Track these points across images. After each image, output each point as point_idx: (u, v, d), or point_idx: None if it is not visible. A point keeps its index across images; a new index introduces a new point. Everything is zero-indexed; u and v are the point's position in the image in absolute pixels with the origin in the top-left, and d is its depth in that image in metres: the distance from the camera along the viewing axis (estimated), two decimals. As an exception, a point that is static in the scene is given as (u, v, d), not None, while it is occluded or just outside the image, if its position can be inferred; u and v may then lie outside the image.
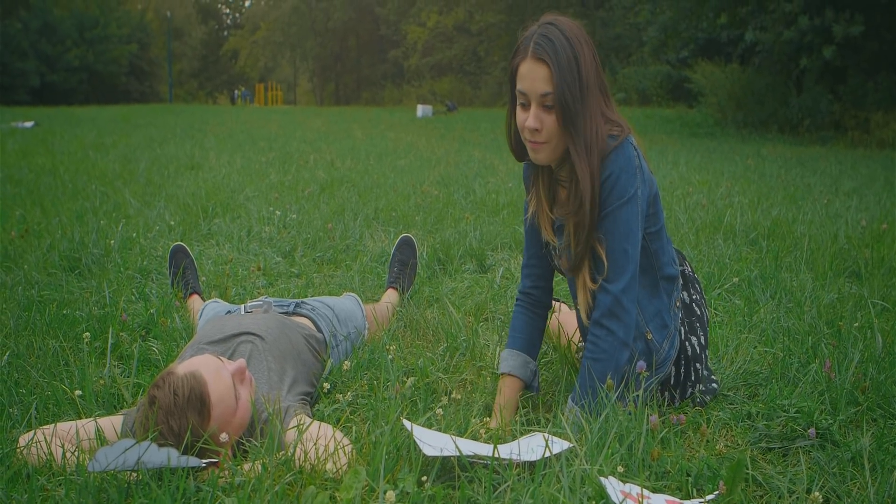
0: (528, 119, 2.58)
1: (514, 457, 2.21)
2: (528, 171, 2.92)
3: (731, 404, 2.89)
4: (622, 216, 2.61)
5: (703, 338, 2.92)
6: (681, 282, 2.91)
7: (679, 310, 2.87)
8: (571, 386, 2.92)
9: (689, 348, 2.87)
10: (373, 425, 2.53)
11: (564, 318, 3.41)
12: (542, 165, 2.77)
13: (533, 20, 2.64)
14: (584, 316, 2.76)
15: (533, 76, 2.54)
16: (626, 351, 2.64)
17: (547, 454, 2.20)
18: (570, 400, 2.66)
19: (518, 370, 2.89)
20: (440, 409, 2.70)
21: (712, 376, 2.99)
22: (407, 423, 2.35)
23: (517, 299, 3.03)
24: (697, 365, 2.88)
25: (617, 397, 2.56)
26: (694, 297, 2.96)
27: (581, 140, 2.55)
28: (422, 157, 12.66)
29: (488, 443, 2.43)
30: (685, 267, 2.98)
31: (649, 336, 2.75)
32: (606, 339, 2.61)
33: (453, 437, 2.33)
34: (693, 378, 2.88)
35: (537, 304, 3.01)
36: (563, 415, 2.60)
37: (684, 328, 2.89)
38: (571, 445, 2.29)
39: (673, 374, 2.86)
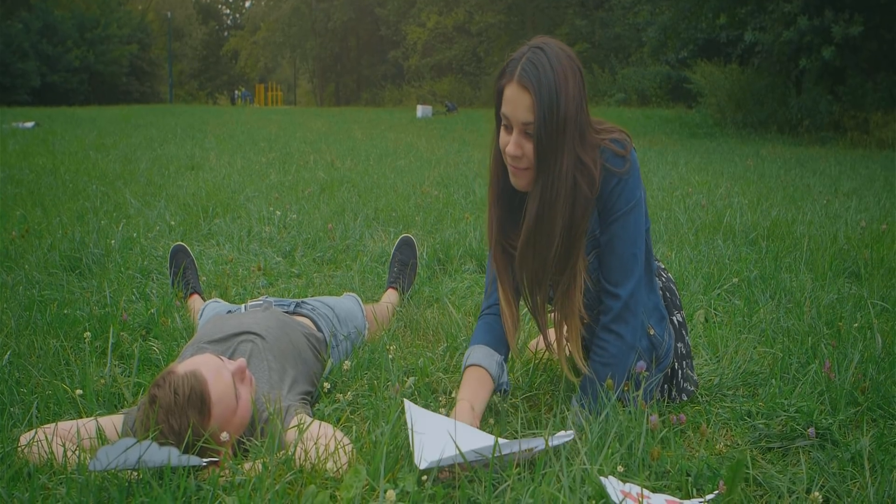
0: (509, 144, 2.55)
1: (514, 448, 2.22)
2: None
3: (730, 404, 2.89)
4: (631, 220, 2.62)
5: (678, 315, 2.96)
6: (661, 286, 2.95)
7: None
8: (569, 384, 2.91)
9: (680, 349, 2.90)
10: (373, 425, 2.53)
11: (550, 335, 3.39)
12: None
13: (524, 41, 2.62)
14: (578, 356, 2.71)
15: (516, 103, 2.49)
16: (634, 354, 2.66)
17: (544, 444, 2.21)
18: (574, 401, 2.67)
19: (483, 361, 2.76)
20: (442, 410, 2.71)
21: (694, 376, 3.00)
22: (408, 404, 2.36)
23: (481, 314, 2.93)
24: (681, 343, 2.92)
25: (618, 397, 2.57)
26: (664, 277, 2.99)
27: (550, 174, 2.52)
28: (422, 157, 12.66)
29: (490, 433, 2.44)
30: (661, 277, 3.01)
31: (651, 331, 2.76)
32: (616, 343, 2.63)
33: (452, 422, 2.35)
34: (683, 352, 2.91)
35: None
36: (570, 418, 2.61)
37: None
38: (571, 436, 2.31)
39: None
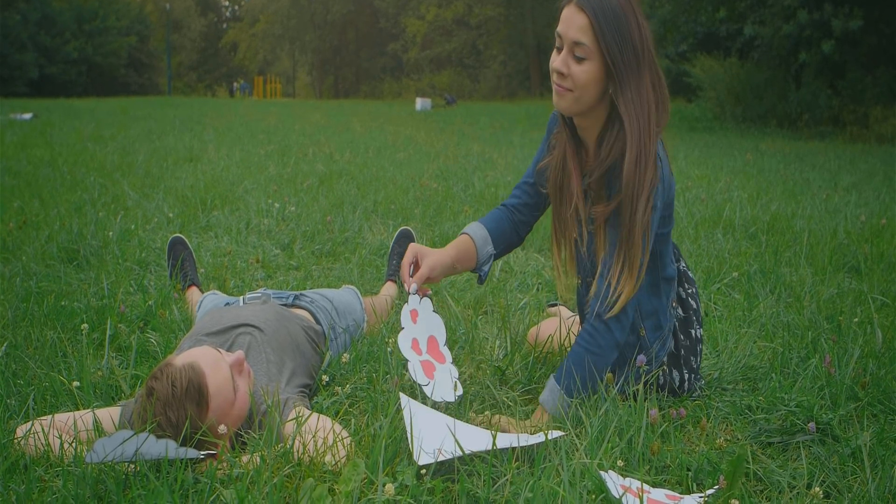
0: (556, 60, 2.57)
1: (513, 443, 2.22)
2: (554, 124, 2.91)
3: (730, 398, 2.88)
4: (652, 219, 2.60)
5: (698, 330, 2.92)
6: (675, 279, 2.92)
7: (675, 309, 2.87)
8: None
9: (684, 345, 2.87)
10: (372, 418, 2.52)
11: (548, 325, 3.36)
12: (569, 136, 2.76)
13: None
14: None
15: (570, 22, 2.51)
16: (617, 352, 2.64)
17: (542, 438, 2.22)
18: (552, 379, 2.65)
19: (476, 233, 2.91)
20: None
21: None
22: (404, 399, 2.35)
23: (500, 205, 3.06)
24: (695, 358, 2.88)
25: (595, 389, 2.59)
26: (690, 291, 2.95)
27: (631, 106, 2.53)
28: (421, 150, 12.65)
29: (487, 429, 2.43)
30: (681, 263, 2.96)
31: (642, 332, 2.75)
32: (605, 335, 2.61)
33: (450, 419, 2.34)
34: (694, 367, 2.88)
35: (517, 214, 3.01)
36: (544, 395, 2.63)
37: (677, 324, 2.88)
38: (564, 434, 2.31)
39: (670, 372, 2.86)
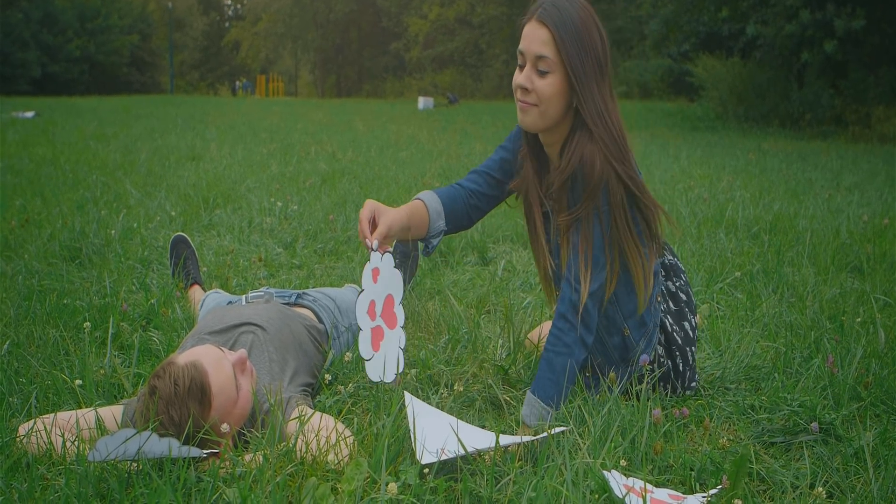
0: (520, 76, 2.60)
1: (516, 441, 2.22)
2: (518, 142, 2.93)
3: (733, 398, 2.88)
4: (605, 222, 2.59)
5: (693, 320, 2.92)
6: (662, 274, 2.91)
7: (660, 304, 2.87)
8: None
9: (680, 336, 2.87)
10: (374, 417, 2.52)
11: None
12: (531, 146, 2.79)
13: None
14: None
15: (532, 37, 2.55)
16: (584, 351, 2.63)
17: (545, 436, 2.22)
18: (528, 392, 2.62)
19: (430, 204, 2.89)
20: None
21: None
22: (407, 397, 2.35)
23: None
24: (692, 348, 2.89)
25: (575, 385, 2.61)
26: (678, 283, 2.95)
27: (598, 116, 2.55)
28: (423, 149, 12.64)
29: (491, 430, 2.43)
30: (667, 257, 2.96)
31: (626, 332, 2.74)
32: (569, 333, 2.60)
33: (454, 420, 2.34)
34: (691, 361, 2.88)
35: (473, 199, 2.98)
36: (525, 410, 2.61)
37: (670, 318, 2.88)
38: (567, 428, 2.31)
39: (671, 366, 2.86)
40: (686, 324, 2.91)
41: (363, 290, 2.71)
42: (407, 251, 4.36)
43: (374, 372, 2.67)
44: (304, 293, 3.51)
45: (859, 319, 3.66)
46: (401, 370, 2.63)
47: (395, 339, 2.67)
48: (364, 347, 2.68)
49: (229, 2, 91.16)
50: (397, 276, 2.71)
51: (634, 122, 21.93)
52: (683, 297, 2.95)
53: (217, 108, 28.38)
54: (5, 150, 10.78)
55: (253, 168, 9.41)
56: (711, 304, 4.03)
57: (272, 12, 70.27)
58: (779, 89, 21.10)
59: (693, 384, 2.91)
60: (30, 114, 19.58)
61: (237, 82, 71.60)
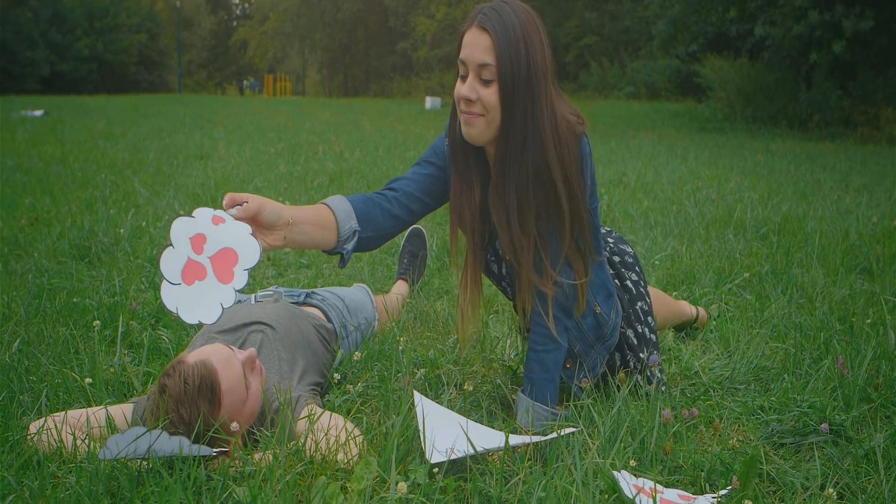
0: (463, 87, 2.47)
1: (526, 441, 2.22)
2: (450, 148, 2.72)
3: (742, 398, 2.87)
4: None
5: (632, 276, 2.95)
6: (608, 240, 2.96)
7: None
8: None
9: (631, 337, 2.89)
10: (384, 416, 2.52)
11: None
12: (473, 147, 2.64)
13: None
14: (521, 313, 2.70)
15: (474, 44, 2.42)
16: (566, 339, 2.63)
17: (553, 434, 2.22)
18: (527, 398, 2.61)
19: (336, 205, 2.56)
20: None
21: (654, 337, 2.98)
22: (417, 397, 2.35)
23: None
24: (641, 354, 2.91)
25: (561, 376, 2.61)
26: (632, 277, 2.98)
27: (517, 127, 2.45)
28: (431, 148, 12.62)
29: (500, 430, 2.43)
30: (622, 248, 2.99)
31: (598, 310, 2.73)
32: (557, 327, 2.59)
33: (463, 420, 2.34)
34: (633, 366, 2.88)
35: (394, 208, 2.69)
36: (517, 415, 2.62)
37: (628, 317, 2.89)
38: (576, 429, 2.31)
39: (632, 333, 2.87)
40: (628, 282, 2.95)
41: (193, 218, 2.32)
42: (416, 251, 4.36)
43: (169, 298, 2.27)
44: (312, 292, 3.51)
45: (869, 321, 3.66)
46: (213, 321, 2.24)
47: (219, 291, 2.25)
48: (168, 266, 2.30)
49: (237, 1, 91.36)
50: (251, 242, 2.25)
51: (641, 123, 21.94)
52: (617, 258, 2.98)
53: (225, 107, 28.41)
54: (15, 149, 10.81)
55: (261, 167, 9.42)
56: (720, 305, 4.03)
57: (280, 11, 70.29)
58: (787, 90, 21.07)
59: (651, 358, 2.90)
60: (39, 112, 19.63)
61: (245, 81, 71.80)
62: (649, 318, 2.97)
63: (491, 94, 2.43)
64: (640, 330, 2.92)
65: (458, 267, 2.82)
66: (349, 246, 2.58)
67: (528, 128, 2.44)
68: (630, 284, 2.98)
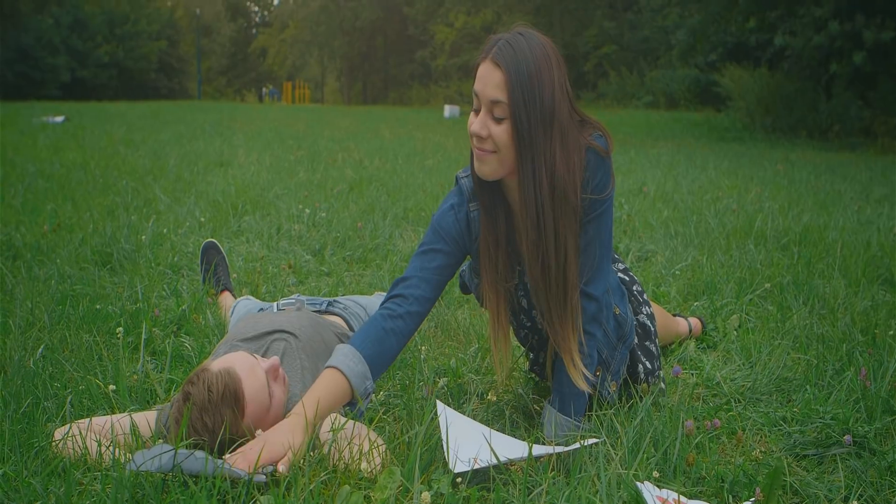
0: (474, 123, 2.43)
1: (548, 451, 2.23)
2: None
3: (764, 409, 2.87)
4: (605, 220, 2.56)
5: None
6: None
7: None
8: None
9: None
10: (406, 425, 2.53)
11: None
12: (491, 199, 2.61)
13: (507, 28, 2.55)
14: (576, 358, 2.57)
15: (486, 79, 2.39)
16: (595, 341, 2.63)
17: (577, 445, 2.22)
18: (549, 406, 2.60)
19: (351, 368, 2.41)
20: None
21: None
22: (440, 406, 2.35)
23: (384, 302, 2.61)
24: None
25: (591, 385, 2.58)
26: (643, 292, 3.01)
27: (529, 166, 2.39)
28: (450, 157, 12.65)
29: (523, 439, 2.43)
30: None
31: (617, 311, 2.72)
32: (589, 343, 2.58)
33: (486, 429, 2.34)
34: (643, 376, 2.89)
35: (407, 317, 2.57)
36: (544, 427, 2.60)
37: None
38: (599, 440, 2.31)
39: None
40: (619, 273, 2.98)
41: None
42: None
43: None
44: (334, 301, 3.52)
45: (892, 332, 3.64)
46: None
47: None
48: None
49: (256, 9, 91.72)
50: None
51: (661, 133, 21.89)
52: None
53: (244, 114, 28.51)
54: (36, 155, 10.87)
55: (281, 175, 9.45)
56: (741, 315, 4.01)
57: (299, 19, 70.61)
58: (807, 100, 20.98)
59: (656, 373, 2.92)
60: (59, 118, 19.72)
61: (264, 89, 72.07)
62: (654, 325, 3.00)
63: (503, 133, 2.38)
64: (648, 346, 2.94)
65: (489, 303, 2.76)
66: (366, 401, 2.47)
67: (542, 168, 2.39)
68: (636, 293, 3.01)
